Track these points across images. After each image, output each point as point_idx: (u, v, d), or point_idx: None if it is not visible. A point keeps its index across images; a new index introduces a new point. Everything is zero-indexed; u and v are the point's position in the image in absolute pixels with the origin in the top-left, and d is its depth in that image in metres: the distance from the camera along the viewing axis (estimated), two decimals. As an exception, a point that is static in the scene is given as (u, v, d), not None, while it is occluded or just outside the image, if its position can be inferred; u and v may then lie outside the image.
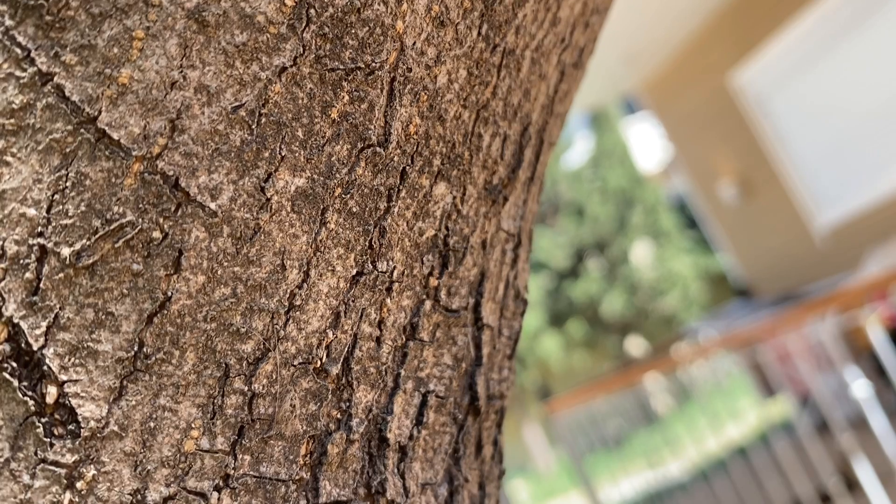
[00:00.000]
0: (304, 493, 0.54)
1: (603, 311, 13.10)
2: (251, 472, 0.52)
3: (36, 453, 0.47)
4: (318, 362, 0.54)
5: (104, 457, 0.48)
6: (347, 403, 0.55)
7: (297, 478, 0.53)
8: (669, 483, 5.70)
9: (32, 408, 0.47)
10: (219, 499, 0.51)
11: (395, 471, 0.58)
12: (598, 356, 13.48)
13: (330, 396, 0.54)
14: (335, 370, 0.54)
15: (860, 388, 3.71)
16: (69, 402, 0.47)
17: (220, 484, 0.51)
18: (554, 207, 13.46)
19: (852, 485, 3.82)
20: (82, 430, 0.48)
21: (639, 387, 5.82)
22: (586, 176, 13.72)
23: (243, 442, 0.51)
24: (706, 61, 6.60)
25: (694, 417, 7.29)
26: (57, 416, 0.48)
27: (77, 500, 0.48)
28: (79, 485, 0.48)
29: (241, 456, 0.51)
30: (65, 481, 0.48)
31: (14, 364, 0.47)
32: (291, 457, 0.53)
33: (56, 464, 0.47)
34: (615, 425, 5.78)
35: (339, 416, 0.55)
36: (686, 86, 6.95)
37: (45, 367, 0.47)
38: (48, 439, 0.47)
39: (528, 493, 10.29)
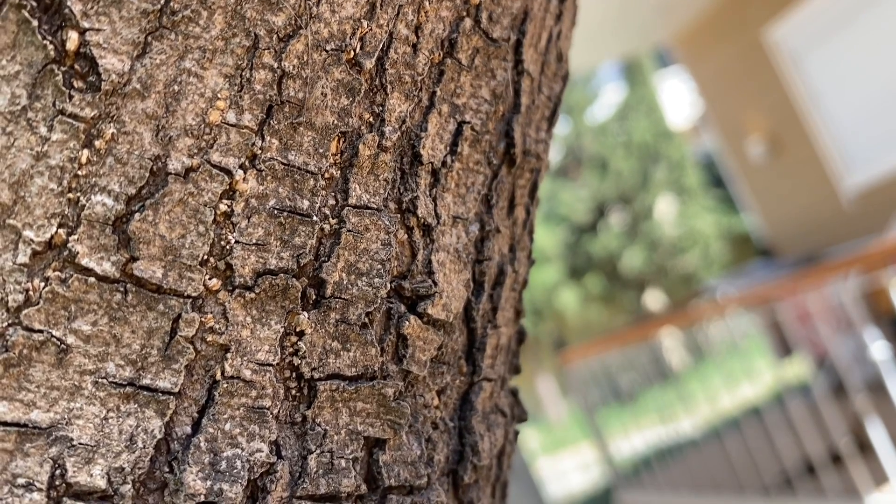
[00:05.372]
0: (332, 191, 0.51)
1: (622, 267, 12.96)
2: (279, 158, 0.49)
3: (54, 104, 0.45)
4: (352, 53, 0.51)
5: (125, 116, 0.46)
6: (381, 108, 0.52)
7: (326, 174, 0.51)
8: (681, 439, 5.68)
9: (52, 54, 0.45)
10: (244, 178, 0.48)
11: (428, 193, 0.55)
12: (614, 311, 13.38)
13: (362, 95, 0.51)
14: (369, 65, 0.51)
15: (879, 349, 3.65)
16: (90, 51, 0.45)
17: (246, 163, 0.48)
18: (577, 161, 13.27)
19: (864, 446, 3.78)
20: (103, 84, 0.45)
21: (654, 341, 5.78)
22: (611, 129, 13.42)
23: (271, 123, 0.49)
24: (741, 15, 6.45)
25: (709, 375, 7.25)
26: (77, 67, 0.45)
27: (95, 158, 0.45)
28: (97, 143, 0.45)
29: (268, 138, 0.49)
30: (83, 136, 0.45)
31: (34, 3, 0.44)
32: (321, 150, 0.50)
33: (74, 117, 0.45)
34: (629, 379, 5.75)
35: (371, 119, 0.52)
36: (719, 39, 6.81)
37: (67, 11, 0.44)
38: (67, 90, 0.45)
39: (539, 443, 10.32)
